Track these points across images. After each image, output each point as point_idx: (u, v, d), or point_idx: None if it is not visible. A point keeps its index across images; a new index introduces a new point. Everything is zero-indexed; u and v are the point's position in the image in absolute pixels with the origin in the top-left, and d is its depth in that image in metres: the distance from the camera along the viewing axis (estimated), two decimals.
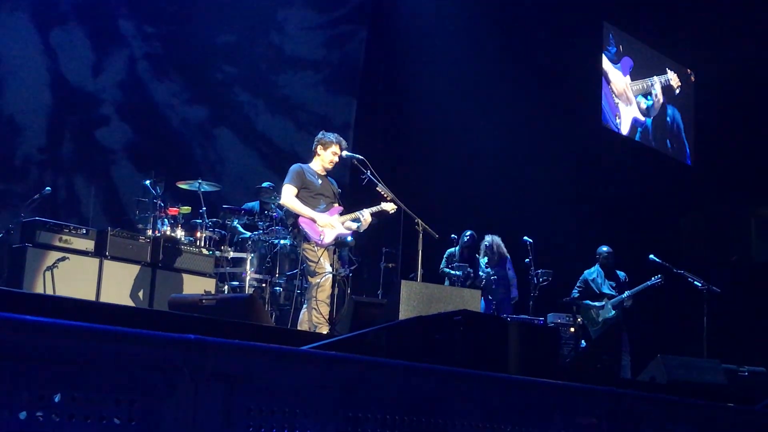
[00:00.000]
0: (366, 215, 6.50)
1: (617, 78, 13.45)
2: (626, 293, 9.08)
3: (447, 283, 9.41)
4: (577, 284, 9.42)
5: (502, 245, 9.70)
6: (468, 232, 9.73)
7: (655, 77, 14.15)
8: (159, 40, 10.28)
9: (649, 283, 9.06)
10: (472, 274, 9.43)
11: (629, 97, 13.66)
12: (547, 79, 12.05)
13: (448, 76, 11.61)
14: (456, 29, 11.61)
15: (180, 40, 10.38)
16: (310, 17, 11.58)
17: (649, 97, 14.07)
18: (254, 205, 8.54)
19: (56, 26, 9.47)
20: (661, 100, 14.27)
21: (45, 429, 1.54)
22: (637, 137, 13.68)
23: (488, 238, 9.69)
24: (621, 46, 13.54)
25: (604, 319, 9.08)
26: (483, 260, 9.64)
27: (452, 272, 9.45)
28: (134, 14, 10.05)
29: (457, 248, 9.71)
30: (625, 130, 13.51)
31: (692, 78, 14.74)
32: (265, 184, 8.27)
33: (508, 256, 9.71)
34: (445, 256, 9.71)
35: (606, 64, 13.21)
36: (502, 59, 11.62)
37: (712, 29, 12.72)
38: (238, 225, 8.31)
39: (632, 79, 13.76)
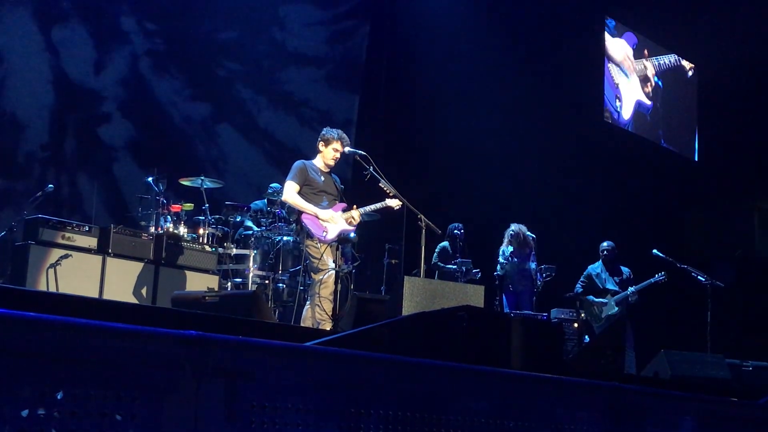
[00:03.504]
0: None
1: (617, 48, 12.90)
2: (630, 290, 9.07)
3: (436, 277, 9.32)
4: (581, 279, 9.40)
5: (528, 234, 9.23)
6: (458, 225, 9.60)
7: (664, 56, 13.88)
8: (161, 36, 10.28)
9: (652, 280, 9.04)
10: (471, 269, 9.32)
11: (631, 66, 13.14)
12: (548, 73, 12.03)
13: (450, 72, 11.60)
14: (457, 25, 11.60)
15: (182, 36, 10.37)
16: (312, 13, 11.57)
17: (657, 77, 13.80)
18: (262, 203, 8.53)
19: (58, 23, 9.47)
20: (667, 86, 14.06)
21: (47, 426, 1.54)
22: (632, 128, 13.53)
23: (514, 227, 9.22)
24: (623, 24, 13.24)
25: (607, 316, 9.06)
26: (508, 249, 9.19)
27: (446, 266, 9.38)
28: (136, 11, 10.05)
29: (447, 242, 9.57)
30: (627, 113, 13.27)
31: (695, 72, 14.69)
32: (277, 186, 8.21)
33: (534, 247, 9.25)
34: (437, 250, 9.53)
35: (606, 37, 12.84)
36: (504, 54, 11.61)
37: (716, 23, 12.68)
38: (252, 224, 8.27)
39: (636, 57, 13.37)
